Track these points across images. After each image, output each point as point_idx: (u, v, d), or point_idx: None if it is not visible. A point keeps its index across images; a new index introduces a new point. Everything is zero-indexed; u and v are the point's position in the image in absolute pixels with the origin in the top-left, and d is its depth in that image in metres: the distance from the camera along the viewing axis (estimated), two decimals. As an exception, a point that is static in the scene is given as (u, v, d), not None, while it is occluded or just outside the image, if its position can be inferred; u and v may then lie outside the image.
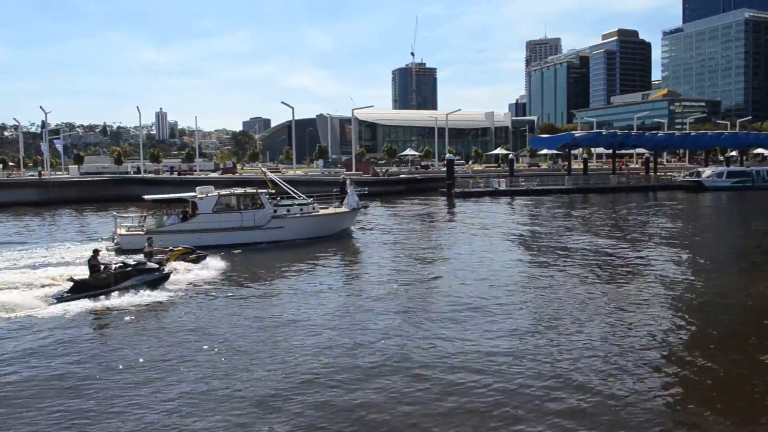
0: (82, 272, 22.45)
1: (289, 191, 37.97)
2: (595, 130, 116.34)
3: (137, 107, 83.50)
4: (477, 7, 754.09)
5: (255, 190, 35.33)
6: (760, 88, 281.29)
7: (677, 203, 64.20)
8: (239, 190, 35.62)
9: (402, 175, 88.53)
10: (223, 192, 34.99)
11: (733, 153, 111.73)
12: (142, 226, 33.65)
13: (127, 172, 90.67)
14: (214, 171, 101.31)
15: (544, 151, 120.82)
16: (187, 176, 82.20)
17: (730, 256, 30.66)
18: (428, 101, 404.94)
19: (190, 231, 32.32)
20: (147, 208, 35.22)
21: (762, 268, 27.81)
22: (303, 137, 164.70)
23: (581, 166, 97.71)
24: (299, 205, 35.92)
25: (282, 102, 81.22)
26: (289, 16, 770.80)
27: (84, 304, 20.05)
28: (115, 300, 20.65)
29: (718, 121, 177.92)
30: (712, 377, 13.46)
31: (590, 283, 22.94)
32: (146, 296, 21.14)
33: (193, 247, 27.72)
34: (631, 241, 34.48)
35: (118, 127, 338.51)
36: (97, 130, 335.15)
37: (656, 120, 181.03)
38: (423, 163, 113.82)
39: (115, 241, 32.65)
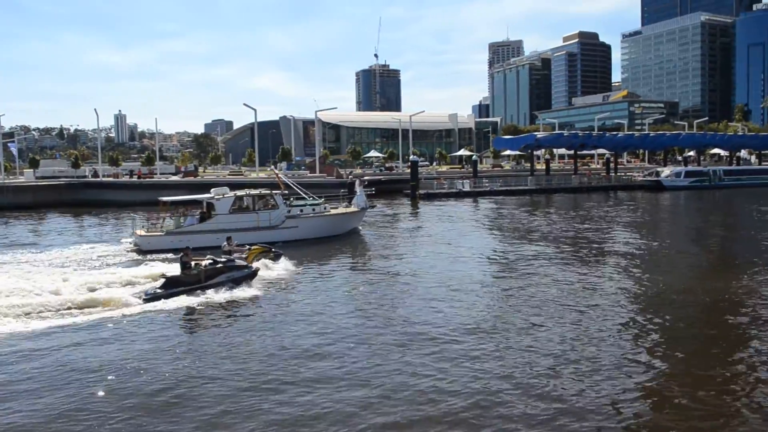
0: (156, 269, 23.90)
1: (300, 192, 38.69)
2: (557, 131, 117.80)
3: (95, 109, 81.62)
4: (438, 9, 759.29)
5: (269, 191, 36.36)
6: (716, 89, 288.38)
7: (637, 203, 65.14)
8: (254, 191, 36.58)
9: (366, 177, 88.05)
10: (239, 193, 35.67)
11: (691, 153, 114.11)
12: (161, 227, 34.20)
13: (84, 176, 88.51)
14: (175, 174, 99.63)
15: (507, 152, 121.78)
16: (147, 180, 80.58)
17: (688, 254, 31.03)
18: (392, 103, 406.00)
19: (208, 231, 32.90)
20: (163, 210, 35.63)
21: (718, 265, 28.19)
22: (266, 139, 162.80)
23: (544, 167, 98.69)
24: (311, 205, 36.91)
25: (244, 104, 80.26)
26: (250, 17, 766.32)
27: (176, 301, 20.43)
28: (206, 296, 21.04)
29: (676, 122, 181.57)
30: (670, 373, 13.41)
31: (552, 281, 22.89)
32: (236, 293, 21.52)
33: (269, 246, 27.88)
34: (591, 240, 34.70)
35: (76, 130, 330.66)
36: (54, 133, 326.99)
37: (617, 121, 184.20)
38: (387, 165, 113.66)
39: (134, 241, 33.00)
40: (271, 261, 26.04)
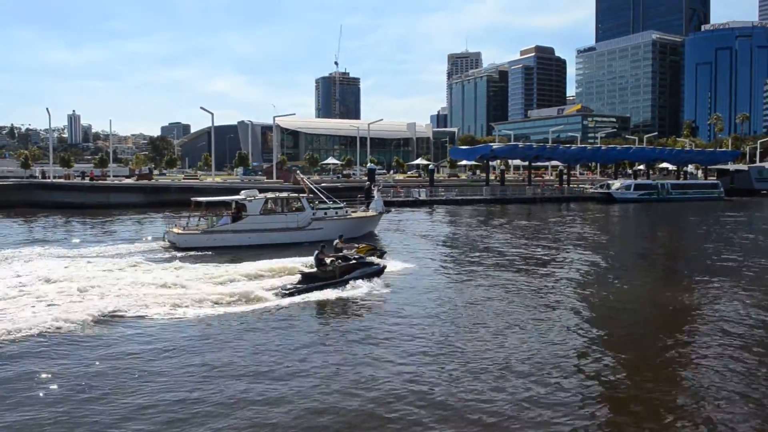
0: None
1: (322, 196, 40.31)
2: (512, 143, 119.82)
3: (47, 109, 79.50)
4: (398, 18, 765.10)
5: (297, 195, 38.47)
6: (666, 106, 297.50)
7: (588, 214, 66.74)
8: (283, 194, 38.66)
9: (323, 184, 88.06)
10: (269, 195, 37.36)
11: (641, 167, 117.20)
12: (198, 226, 35.65)
13: (34, 177, 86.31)
14: (129, 176, 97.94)
15: (464, 162, 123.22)
16: (100, 182, 79.12)
17: (635, 264, 32.03)
18: (351, 111, 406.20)
19: (241, 231, 34.58)
20: (195, 210, 36.91)
21: (663, 275, 29.22)
22: (223, 144, 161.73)
23: (499, 178, 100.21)
24: (334, 208, 38.72)
25: (201, 107, 79.41)
26: (208, 19, 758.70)
27: (313, 296, 21.17)
28: (342, 291, 21.74)
29: (627, 136, 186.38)
30: (613, 383, 13.99)
31: (502, 290, 23.42)
32: (369, 288, 22.25)
33: (373, 245, 28.43)
34: (542, 249, 35.47)
35: (27, 130, 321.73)
36: (4, 132, 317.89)
37: (570, 134, 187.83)
38: (345, 172, 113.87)
39: (168, 239, 34.31)
40: (377, 259, 26.17)
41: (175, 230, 34.56)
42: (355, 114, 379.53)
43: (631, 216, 67.95)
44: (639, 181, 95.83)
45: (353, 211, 40.57)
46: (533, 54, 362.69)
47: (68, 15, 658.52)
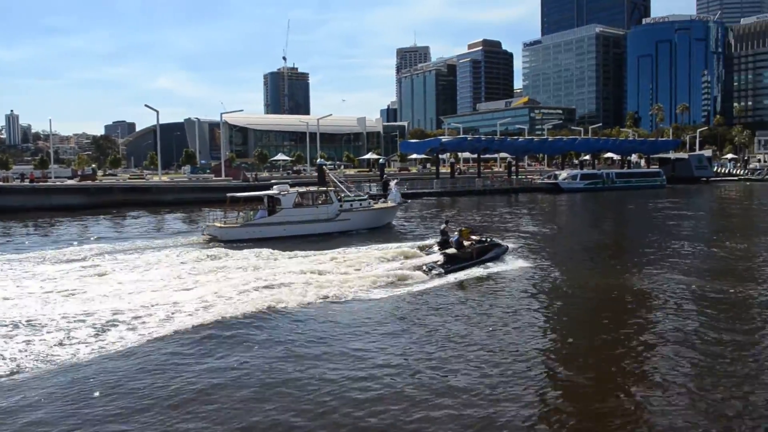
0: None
1: (346, 191, 42.16)
2: (461, 136, 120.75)
3: (-19, 109, 76.10)
4: (345, 13, 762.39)
5: (325, 189, 40.68)
6: (610, 97, 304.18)
7: (537, 204, 67.82)
8: (313, 188, 41.53)
9: (273, 181, 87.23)
10: (300, 190, 40.05)
11: (587, 157, 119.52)
12: (238, 219, 37.30)
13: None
14: (71, 177, 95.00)
15: (414, 156, 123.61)
16: (41, 184, 76.49)
17: (582, 252, 32.58)
18: (301, 106, 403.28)
19: (276, 223, 36.75)
20: (231, 204, 38.69)
21: (608, 262, 29.80)
22: (170, 142, 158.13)
23: (449, 170, 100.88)
24: (359, 200, 41.08)
25: (146, 105, 77.27)
26: (150, 15, 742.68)
27: (458, 274, 23.42)
28: (482, 270, 24.19)
29: (573, 128, 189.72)
30: (559, 369, 14.16)
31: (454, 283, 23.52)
32: (504, 266, 25.14)
33: (471, 227, 30.44)
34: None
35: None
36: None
37: (518, 126, 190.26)
38: (295, 168, 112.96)
39: (208, 233, 35.96)
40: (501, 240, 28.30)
41: (217, 224, 36.40)
42: (304, 109, 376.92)
43: (578, 205, 69.31)
44: (585, 171, 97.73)
45: (375, 203, 42.64)
46: (481, 48, 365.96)
47: (1, 10, 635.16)
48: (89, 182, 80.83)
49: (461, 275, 23.34)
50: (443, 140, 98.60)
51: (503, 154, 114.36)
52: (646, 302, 20.01)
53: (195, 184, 79.02)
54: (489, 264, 25.04)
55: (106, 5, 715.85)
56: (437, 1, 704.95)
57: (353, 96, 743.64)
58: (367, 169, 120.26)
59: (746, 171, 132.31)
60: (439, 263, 24.39)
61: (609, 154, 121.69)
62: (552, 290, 22.09)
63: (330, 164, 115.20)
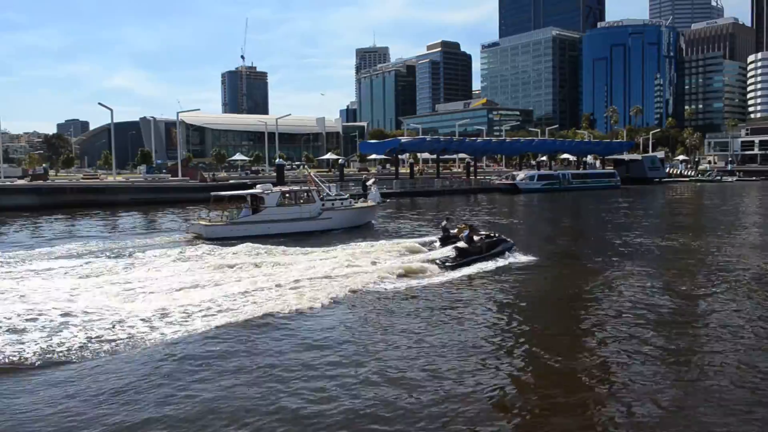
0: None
1: (326, 190, 42.59)
2: (420, 136, 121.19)
3: (-74, 106, 73.47)
4: (305, 12, 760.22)
5: (307, 188, 41.85)
6: (566, 99, 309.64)
7: (495, 204, 68.41)
8: (296, 188, 43.10)
9: (231, 181, 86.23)
10: (283, 189, 41.55)
11: (544, 158, 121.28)
12: (222, 218, 37.89)
13: None
14: (22, 177, 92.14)
15: (374, 156, 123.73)
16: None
17: (539, 250, 32.88)
18: (259, 106, 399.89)
19: (260, 222, 37.23)
20: (215, 203, 39.49)
21: (565, 260, 30.14)
22: (125, 141, 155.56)
23: (408, 171, 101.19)
24: (341, 200, 41.81)
25: (99, 103, 75.21)
26: (106, 11, 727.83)
27: (471, 268, 24.58)
28: (494, 263, 25.51)
29: (530, 129, 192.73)
30: (516, 369, 14.23)
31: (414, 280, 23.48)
32: (512, 259, 26.61)
33: (470, 224, 30.81)
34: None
35: None
36: None
37: (477, 127, 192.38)
38: (253, 169, 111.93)
39: (192, 231, 36.60)
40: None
41: (202, 222, 37.07)
42: (263, 109, 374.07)
43: (536, 205, 70.13)
44: (542, 171, 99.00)
45: (356, 203, 43.75)
46: (440, 49, 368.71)
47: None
48: (41, 182, 78.53)
49: (474, 268, 24.72)
50: (403, 141, 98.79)
51: (462, 155, 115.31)
52: (600, 300, 20.32)
53: (151, 184, 77.42)
54: (498, 258, 26.41)
55: (62, 0, 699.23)
56: (396, 2, 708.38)
57: (313, 96, 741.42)
58: (327, 170, 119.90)
59: (697, 172, 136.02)
60: (451, 257, 25.61)
61: (565, 155, 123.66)
62: (556, 281, 24.25)
63: (289, 164, 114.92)
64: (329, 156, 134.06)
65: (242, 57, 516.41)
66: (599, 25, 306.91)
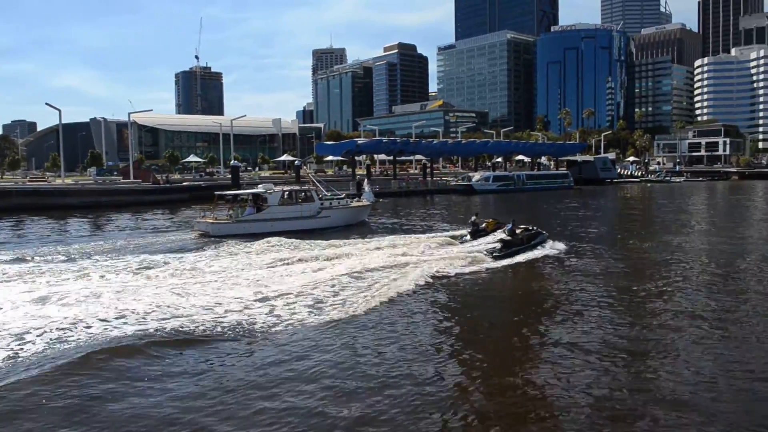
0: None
1: (323, 190, 44.68)
2: (377, 138, 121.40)
3: None
4: (260, 12, 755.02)
5: (307, 188, 43.62)
6: (521, 101, 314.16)
7: (451, 205, 68.80)
8: (296, 187, 44.92)
9: (185, 183, 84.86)
10: (285, 188, 43.28)
11: (499, 159, 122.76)
12: (229, 216, 39.47)
13: None
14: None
15: (330, 158, 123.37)
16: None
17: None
18: (214, 106, 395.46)
19: (263, 220, 38.61)
20: (217, 202, 41.19)
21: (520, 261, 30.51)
22: (75, 143, 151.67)
23: (365, 172, 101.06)
24: (338, 199, 43.78)
25: (47, 104, 73.21)
26: (52, 8, 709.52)
27: (517, 258, 27.14)
28: (535, 253, 28.42)
29: (486, 130, 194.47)
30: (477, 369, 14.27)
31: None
32: (553, 250, 29.49)
33: (497, 219, 33.13)
34: (401, 240, 35.90)
35: None
36: None
37: (433, 128, 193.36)
38: (208, 170, 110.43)
39: (198, 228, 38.12)
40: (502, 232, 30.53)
41: (209, 220, 38.26)
42: (218, 110, 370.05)
43: (491, 206, 70.70)
44: (497, 173, 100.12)
45: (351, 202, 45.55)
46: (396, 51, 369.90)
47: None
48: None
49: (519, 257, 27.29)
50: (359, 142, 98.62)
51: (419, 156, 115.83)
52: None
53: (101, 186, 75.57)
54: (537, 248, 29.27)
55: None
56: (353, 3, 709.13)
57: (269, 97, 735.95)
58: (283, 171, 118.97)
59: (647, 173, 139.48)
60: (497, 248, 28.01)
61: (520, 157, 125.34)
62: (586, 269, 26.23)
63: (245, 166, 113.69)
64: (285, 157, 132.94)
65: (196, 57, 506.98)
66: (553, 29, 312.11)
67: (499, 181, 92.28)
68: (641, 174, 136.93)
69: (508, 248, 28.06)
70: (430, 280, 22.49)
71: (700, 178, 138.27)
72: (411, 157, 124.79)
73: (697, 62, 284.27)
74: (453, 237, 32.18)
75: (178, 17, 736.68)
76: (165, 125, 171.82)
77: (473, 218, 32.48)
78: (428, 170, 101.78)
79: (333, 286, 21.05)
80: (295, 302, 18.81)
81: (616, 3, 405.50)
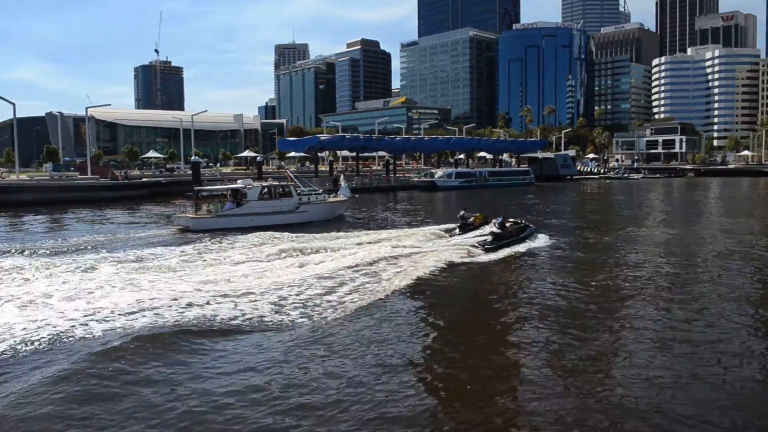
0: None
1: (300, 186, 45.28)
2: (339, 134, 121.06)
3: None
4: (222, 6, 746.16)
5: (285, 183, 44.29)
6: (483, 98, 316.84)
7: (413, 201, 69.08)
8: (275, 183, 44.80)
9: (144, 179, 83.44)
10: (264, 184, 43.75)
11: (461, 156, 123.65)
12: (209, 210, 39.91)
13: None
14: None
15: (293, 154, 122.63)
16: None
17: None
18: (174, 101, 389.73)
19: (243, 214, 39.44)
20: (199, 198, 41.06)
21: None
22: (30, 138, 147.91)
23: (328, 169, 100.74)
24: (315, 194, 44.78)
25: (0, 97, 71.24)
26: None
27: (507, 250, 28.32)
28: (526, 245, 29.91)
29: (448, 127, 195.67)
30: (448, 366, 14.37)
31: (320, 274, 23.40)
32: (539, 243, 31.00)
33: (484, 214, 33.73)
34: (363, 235, 35.95)
35: None
36: None
37: (396, 125, 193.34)
38: (168, 166, 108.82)
39: (179, 223, 38.34)
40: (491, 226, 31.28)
41: (189, 215, 38.56)
42: (178, 105, 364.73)
43: (453, 202, 71.13)
44: (459, 169, 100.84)
45: (327, 197, 46.35)
46: (359, 47, 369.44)
47: None
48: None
49: (509, 250, 28.49)
50: (322, 138, 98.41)
51: (381, 153, 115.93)
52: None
53: (57, 182, 73.87)
54: (526, 240, 30.70)
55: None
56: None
57: (231, 92, 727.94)
58: (245, 167, 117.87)
59: (606, 170, 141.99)
60: (489, 240, 28.91)
61: (482, 153, 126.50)
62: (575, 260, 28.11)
63: (206, 162, 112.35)
64: (247, 153, 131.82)
65: (156, 51, 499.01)
66: (514, 26, 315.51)
67: (461, 177, 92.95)
68: (601, 171, 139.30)
69: (498, 241, 29.08)
70: (428, 272, 23.31)
71: (658, 175, 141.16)
72: (374, 154, 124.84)
73: (655, 61, 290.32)
74: (444, 230, 33.26)
75: (137, 11, 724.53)
76: (124, 120, 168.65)
77: (462, 213, 33.58)
78: (391, 167, 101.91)
79: (337, 279, 22.01)
80: (306, 293, 19.82)
81: (576, 2, 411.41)
